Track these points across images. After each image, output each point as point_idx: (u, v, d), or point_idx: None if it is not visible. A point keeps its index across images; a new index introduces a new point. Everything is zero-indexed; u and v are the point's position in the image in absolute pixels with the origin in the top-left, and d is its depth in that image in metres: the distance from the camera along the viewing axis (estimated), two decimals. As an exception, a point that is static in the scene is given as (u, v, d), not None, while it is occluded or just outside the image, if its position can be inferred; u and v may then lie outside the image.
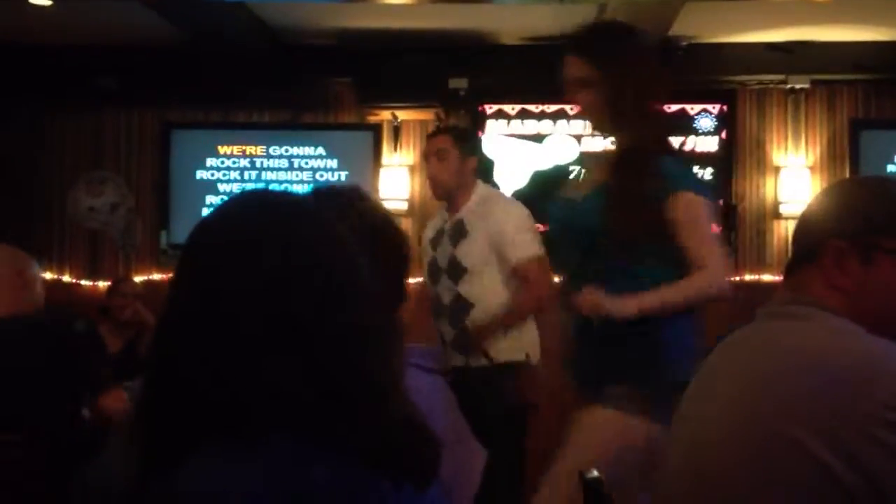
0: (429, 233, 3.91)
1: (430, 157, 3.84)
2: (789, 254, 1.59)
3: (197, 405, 1.02)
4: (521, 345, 3.69)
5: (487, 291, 3.67)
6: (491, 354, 3.59)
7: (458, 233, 3.72)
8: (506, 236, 3.66)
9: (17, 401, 2.73)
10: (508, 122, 5.87)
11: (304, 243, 1.09)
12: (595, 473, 1.63)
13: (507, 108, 5.87)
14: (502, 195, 4.23)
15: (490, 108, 5.87)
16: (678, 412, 1.61)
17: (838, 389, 1.33)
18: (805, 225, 1.56)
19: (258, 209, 1.13)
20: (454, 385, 2.10)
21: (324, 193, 1.51)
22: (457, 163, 3.78)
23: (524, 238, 3.67)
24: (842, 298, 1.47)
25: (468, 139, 4.09)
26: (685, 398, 1.61)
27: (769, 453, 1.35)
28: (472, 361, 3.63)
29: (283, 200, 1.17)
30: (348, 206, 1.49)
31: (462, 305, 3.68)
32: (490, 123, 5.86)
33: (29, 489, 2.57)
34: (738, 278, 5.79)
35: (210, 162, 6.04)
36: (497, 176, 5.81)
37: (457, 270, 3.70)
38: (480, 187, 3.86)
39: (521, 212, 3.79)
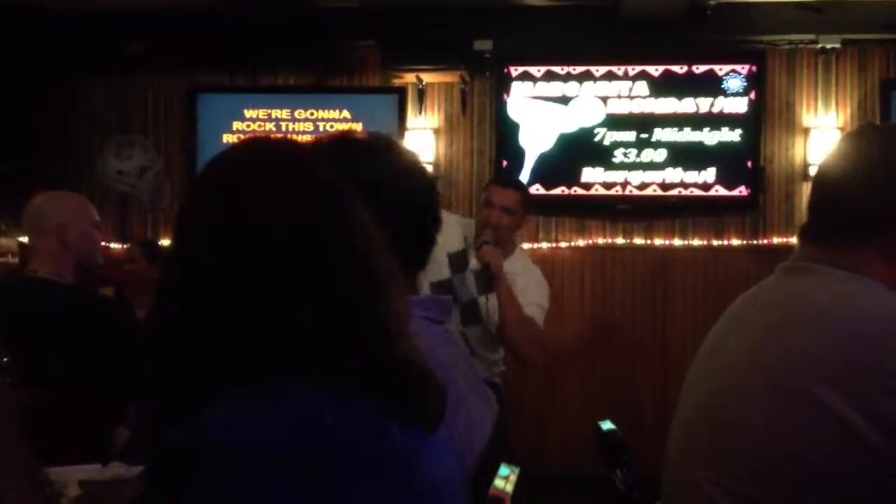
0: (448, 244, 3.59)
1: (494, 207, 3.67)
2: (817, 215, 1.53)
3: (220, 344, 1.03)
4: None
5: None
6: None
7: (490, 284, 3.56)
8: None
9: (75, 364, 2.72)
10: (534, 84, 5.81)
11: (320, 186, 1.10)
12: (610, 425, 1.64)
13: (533, 69, 5.81)
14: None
15: (515, 70, 5.82)
16: (695, 361, 1.61)
17: (858, 344, 1.32)
18: (852, 195, 1.48)
19: (277, 149, 1.14)
20: None
21: (337, 142, 1.48)
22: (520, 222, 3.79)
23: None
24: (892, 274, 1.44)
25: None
26: (703, 347, 1.61)
27: (788, 407, 1.35)
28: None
29: (296, 146, 1.18)
30: (365, 160, 1.47)
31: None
32: (515, 85, 5.81)
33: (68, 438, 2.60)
34: (765, 241, 5.77)
35: (236, 125, 6.07)
36: (522, 138, 5.79)
37: (476, 314, 3.63)
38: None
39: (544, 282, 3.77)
